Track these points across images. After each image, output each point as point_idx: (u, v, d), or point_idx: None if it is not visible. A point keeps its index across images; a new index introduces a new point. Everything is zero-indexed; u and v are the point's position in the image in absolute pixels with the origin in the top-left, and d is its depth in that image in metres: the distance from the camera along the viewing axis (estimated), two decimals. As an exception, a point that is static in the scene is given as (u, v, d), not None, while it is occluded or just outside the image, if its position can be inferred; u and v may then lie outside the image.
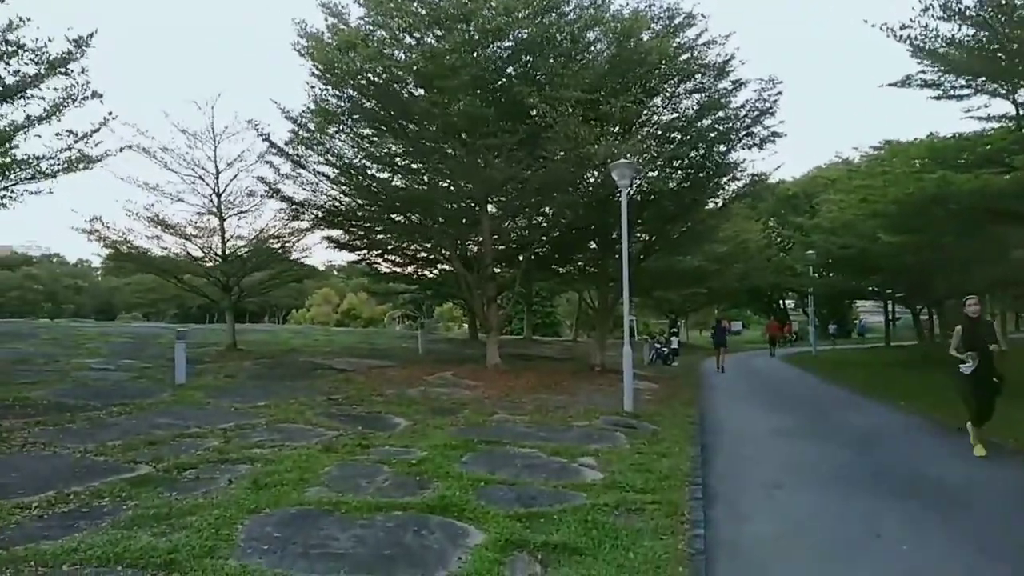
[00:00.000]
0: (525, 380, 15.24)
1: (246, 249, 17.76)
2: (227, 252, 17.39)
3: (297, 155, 16.31)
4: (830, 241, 23.38)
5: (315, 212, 17.32)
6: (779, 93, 16.57)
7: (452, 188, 16.53)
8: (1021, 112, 14.79)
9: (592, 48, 14.85)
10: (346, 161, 16.48)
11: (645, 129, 15.99)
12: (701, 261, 31.16)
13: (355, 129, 16.57)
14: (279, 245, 17.84)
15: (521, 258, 17.61)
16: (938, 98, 15.60)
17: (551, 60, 13.63)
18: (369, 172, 17.35)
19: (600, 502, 5.88)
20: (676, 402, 13.42)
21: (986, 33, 13.47)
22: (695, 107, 16.34)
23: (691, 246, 29.01)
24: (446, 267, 17.52)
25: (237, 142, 24.88)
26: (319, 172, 16.91)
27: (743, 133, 17.04)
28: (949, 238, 16.82)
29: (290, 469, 6.54)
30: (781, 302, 53.81)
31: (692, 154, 16.27)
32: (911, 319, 28.11)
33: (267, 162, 16.79)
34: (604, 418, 10.70)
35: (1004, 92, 14.80)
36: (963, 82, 15.10)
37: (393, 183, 17.80)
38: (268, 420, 9.35)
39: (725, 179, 17.73)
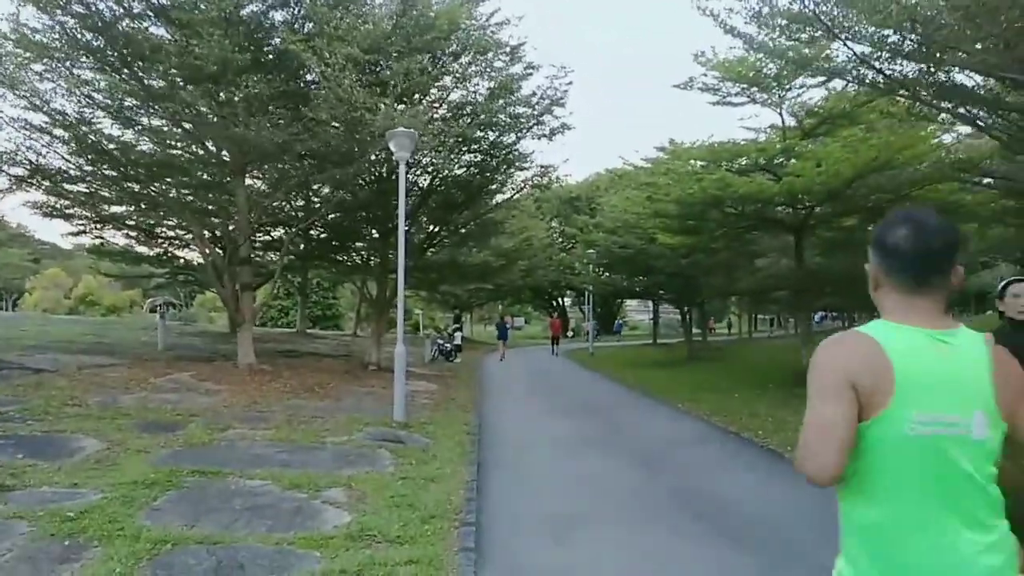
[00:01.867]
0: (283, 382, 13.05)
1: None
2: None
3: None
4: (610, 240, 23.81)
5: (13, 169, 13.53)
6: (570, 83, 16.04)
7: (201, 152, 13.76)
8: (785, 123, 15.63)
9: (373, 0, 13.05)
10: (59, 110, 12.99)
11: (431, 103, 14.52)
12: (487, 256, 30.68)
13: (73, 71, 13.12)
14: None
15: (285, 239, 15.16)
16: (716, 104, 16.04)
17: (324, 7, 11.57)
18: (96, 127, 13.94)
19: (336, 568, 4.23)
20: (454, 406, 12.13)
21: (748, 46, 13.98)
22: (486, 90, 15.20)
23: (478, 239, 28.41)
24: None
25: None
26: (20, 120, 13.21)
27: (533, 122, 16.28)
28: (720, 242, 17.49)
29: None
30: (560, 300, 55.73)
31: (480, 136, 15.13)
32: (676, 318, 29.98)
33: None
34: (369, 430, 9.02)
35: (772, 103, 15.53)
36: (737, 89, 15.62)
37: (134, 144, 14.53)
38: None
39: (514, 167, 16.85)
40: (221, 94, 11.58)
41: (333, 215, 19.05)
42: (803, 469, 1.50)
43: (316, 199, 15.86)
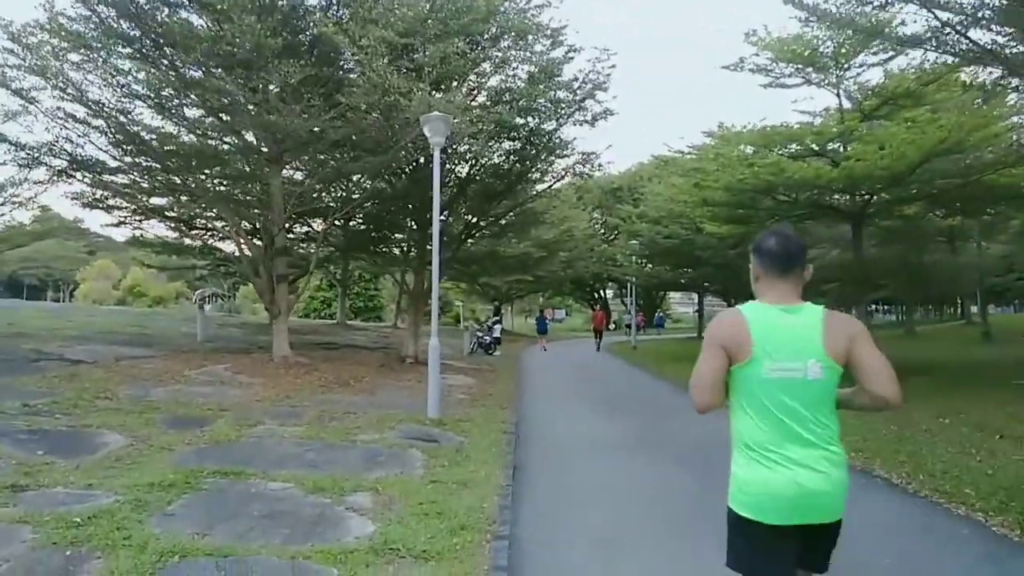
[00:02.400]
0: (318, 376, 12.80)
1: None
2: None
3: (21, 88, 12.52)
4: (655, 230, 23.06)
5: (54, 160, 13.53)
6: (613, 66, 15.37)
7: (237, 142, 13.57)
8: (843, 105, 14.71)
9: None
10: (96, 100, 12.92)
11: (469, 90, 14.06)
12: (528, 247, 30.24)
13: (109, 60, 13.03)
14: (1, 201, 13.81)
15: (321, 231, 14.87)
16: (768, 86, 15.22)
17: (359, -10, 11.18)
18: (134, 116, 13.86)
19: (352, 590, 3.81)
20: (491, 402, 11.69)
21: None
22: (525, 74, 14.66)
23: (518, 230, 27.93)
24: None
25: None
26: (59, 111, 13.20)
27: (575, 107, 15.69)
28: (770, 231, 16.66)
29: None
30: (602, 292, 54.96)
31: (519, 123, 14.60)
32: (720, 311, 28.90)
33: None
34: (401, 428, 8.65)
35: (829, 84, 14.63)
36: (791, 70, 14.77)
37: (173, 135, 14.44)
38: None
39: (555, 155, 16.28)
40: (254, 81, 11.27)
41: (370, 205, 18.81)
42: (692, 401, 2.37)
43: (352, 188, 15.54)
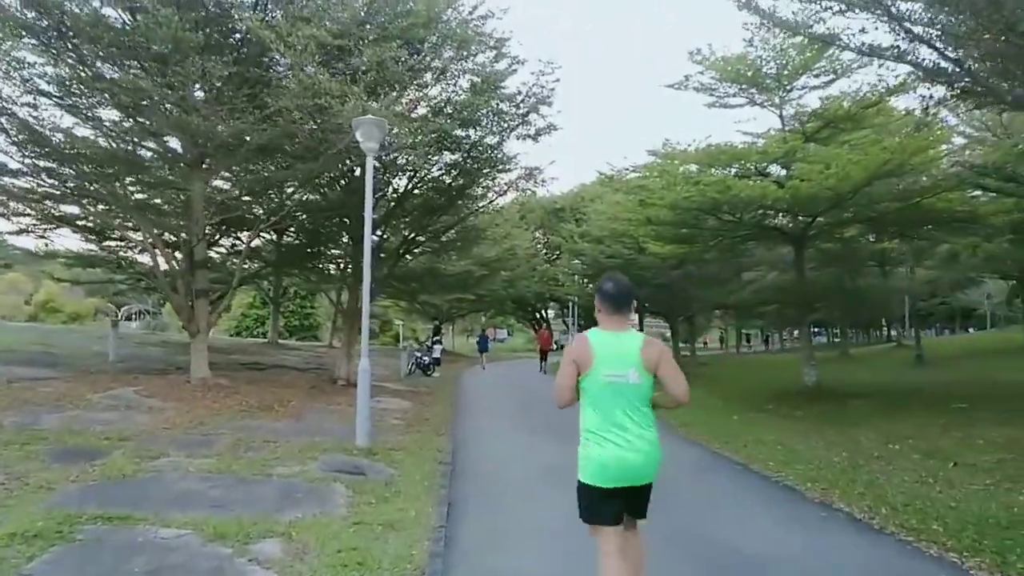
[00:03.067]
0: (239, 399, 11.82)
1: None
2: None
3: None
4: (598, 250, 22.79)
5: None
6: (557, 80, 15.00)
7: (155, 144, 12.55)
8: (785, 127, 14.72)
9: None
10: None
11: (409, 101, 13.45)
12: (469, 264, 29.60)
13: (10, 52, 11.86)
14: None
15: (246, 243, 13.87)
16: (712, 105, 15.13)
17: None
18: (38, 113, 12.67)
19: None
20: (427, 427, 10.96)
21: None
22: (468, 83, 14.14)
23: (459, 247, 27.28)
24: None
25: None
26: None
27: (518, 121, 15.25)
28: (713, 253, 16.54)
29: None
30: (544, 312, 54.71)
31: (462, 135, 14.05)
32: (660, 332, 29.02)
33: None
34: (326, 458, 7.86)
35: (772, 104, 14.63)
36: (735, 90, 14.71)
37: (86, 136, 13.27)
38: None
39: (497, 170, 15.77)
40: (171, 78, 10.36)
41: (304, 218, 17.91)
42: (556, 401, 3.43)
43: (281, 198, 14.62)
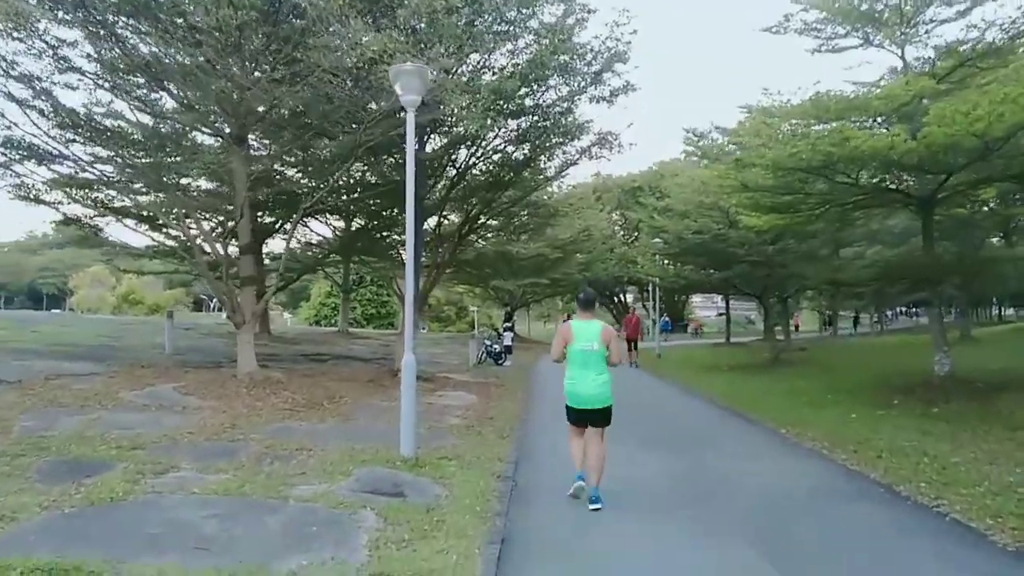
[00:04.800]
0: (286, 396, 10.74)
1: None
2: None
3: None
4: (682, 225, 20.74)
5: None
6: (633, 32, 13.21)
7: (193, 120, 11.58)
8: (909, 69, 12.41)
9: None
10: (30, 74, 11.02)
11: (466, 60, 11.98)
12: (542, 247, 28.15)
13: (46, 34, 11.08)
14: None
15: (293, 222, 12.68)
16: (817, 50, 12.97)
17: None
18: (81, 95, 11.98)
19: None
20: (491, 429, 9.52)
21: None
22: (532, 36, 12.50)
23: (533, 229, 25.85)
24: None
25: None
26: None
27: (589, 81, 13.54)
28: (819, 223, 14.37)
29: None
30: (623, 295, 52.66)
31: (525, 92, 12.45)
32: (743, 315, 26.63)
33: None
34: (362, 472, 6.55)
35: (894, 43, 12.34)
36: (846, 29, 12.50)
37: (128, 118, 12.51)
38: None
39: (567, 138, 14.10)
40: (206, 43, 9.26)
41: (365, 200, 16.82)
42: (553, 357, 6.16)
43: (327, 173, 13.41)
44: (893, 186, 12.01)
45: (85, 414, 8.44)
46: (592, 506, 5.61)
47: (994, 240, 23.14)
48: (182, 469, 6.37)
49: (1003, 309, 58.06)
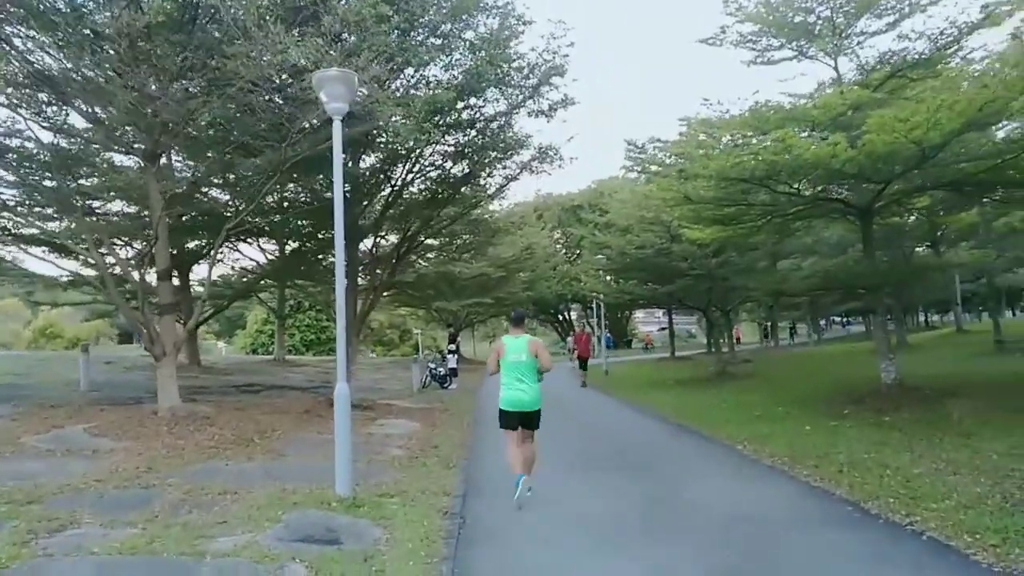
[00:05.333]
0: (212, 432, 9.91)
1: None
2: None
3: None
4: (624, 240, 20.62)
5: None
6: (571, 44, 13.07)
7: (100, 135, 10.69)
8: (842, 79, 12.53)
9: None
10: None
11: (396, 71, 11.48)
12: (485, 267, 27.74)
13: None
14: None
15: (218, 242, 11.80)
16: (752, 62, 13.02)
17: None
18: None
19: None
20: (436, 459, 8.92)
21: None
22: (467, 46, 12.11)
23: (474, 248, 25.43)
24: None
25: None
26: None
27: (528, 95, 13.26)
28: (761, 234, 14.37)
29: None
30: (567, 313, 52.63)
31: (462, 106, 12.04)
32: (685, 329, 26.76)
33: None
34: (293, 516, 5.87)
35: (826, 54, 12.45)
36: (780, 42, 12.57)
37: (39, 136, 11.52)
38: None
39: (507, 151, 13.74)
40: (110, 51, 8.51)
41: (297, 218, 16.06)
42: (488, 370, 7.09)
43: (251, 192, 12.65)
44: (833, 196, 12.02)
45: (-25, 464, 7.49)
46: (527, 492, 6.40)
47: (919, 249, 23.89)
48: (83, 524, 5.59)
49: (928, 316, 60.40)
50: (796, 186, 11.22)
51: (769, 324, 43.54)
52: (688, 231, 14.83)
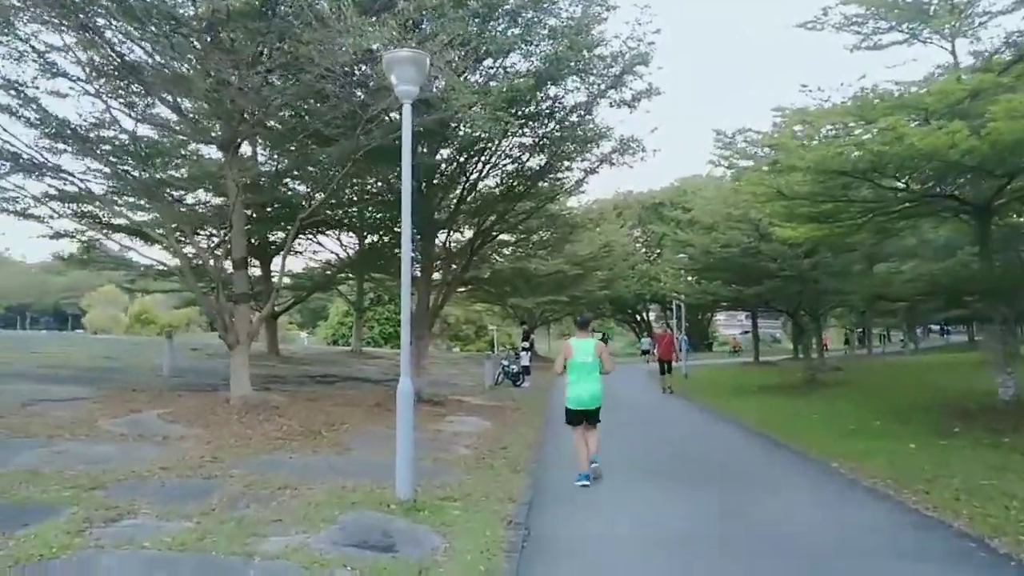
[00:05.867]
0: (280, 423, 9.86)
1: None
2: None
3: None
4: (709, 238, 19.67)
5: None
6: (657, 31, 12.36)
7: (186, 127, 10.86)
8: (960, 64, 11.37)
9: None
10: (14, 80, 10.36)
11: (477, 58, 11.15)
12: (561, 264, 27.21)
13: (34, 38, 10.41)
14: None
15: (292, 232, 11.78)
16: (856, 47, 12.00)
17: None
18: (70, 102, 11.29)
19: None
20: (503, 461, 8.51)
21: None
22: (547, 36, 11.65)
23: (551, 245, 24.96)
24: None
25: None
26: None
27: (610, 84, 12.67)
28: (861, 234, 13.27)
29: None
30: (646, 313, 51.45)
31: (540, 96, 11.60)
32: (770, 332, 25.35)
33: None
34: (349, 517, 5.60)
35: (942, 37, 11.31)
36: (889, 24, 11.51)
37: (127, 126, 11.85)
38: None
39: (586, 145, 13.20)
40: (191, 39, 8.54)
41: (374, 210, 16.04)
42: (556, 370, 7.80)
43: (325, 182, 12.59)
44: (946, 192, 10.90)
45: (50, 446, 7.60)
46: (592, 464, 7.36)
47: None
48: (140, 515, 5.47)
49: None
50: (904, 180, 10.20)
51: (861, 330, 41.05)
52: (779, 229, 13.89)
